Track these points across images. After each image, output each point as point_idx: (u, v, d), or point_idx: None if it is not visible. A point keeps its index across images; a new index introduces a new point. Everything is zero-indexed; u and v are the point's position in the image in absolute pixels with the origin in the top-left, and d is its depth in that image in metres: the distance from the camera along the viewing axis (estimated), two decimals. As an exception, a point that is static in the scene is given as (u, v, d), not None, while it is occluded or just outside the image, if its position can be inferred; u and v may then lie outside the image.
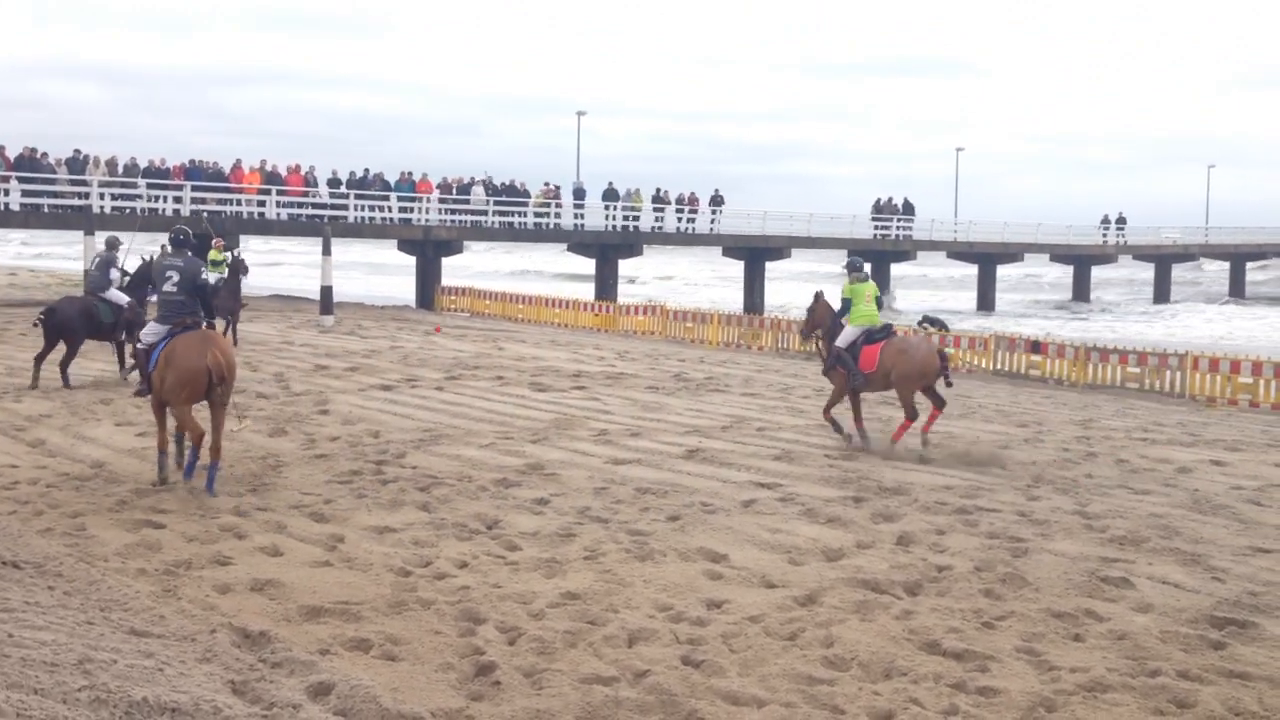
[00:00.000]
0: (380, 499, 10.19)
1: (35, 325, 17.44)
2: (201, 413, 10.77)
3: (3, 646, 5.31)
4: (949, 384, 13.34)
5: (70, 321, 16.74)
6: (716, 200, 46.14)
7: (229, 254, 24.70)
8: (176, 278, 10.63)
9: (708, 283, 67.91)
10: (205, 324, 10.81)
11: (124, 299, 17.20)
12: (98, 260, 17.79)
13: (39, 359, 16.56)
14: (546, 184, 43.14)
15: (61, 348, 16.75)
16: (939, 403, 13.35)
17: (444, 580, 7.93)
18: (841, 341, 13.44)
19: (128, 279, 17.61)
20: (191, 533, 8.95)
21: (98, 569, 7.82)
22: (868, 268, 14.50)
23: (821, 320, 13.98)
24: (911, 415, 13.12)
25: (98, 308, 17.01)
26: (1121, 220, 61.24)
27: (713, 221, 46.32)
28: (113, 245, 17.94)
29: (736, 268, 53.26)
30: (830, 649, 6.75)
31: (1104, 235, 60.79)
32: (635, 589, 7.80)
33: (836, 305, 13.77)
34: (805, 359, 24.96)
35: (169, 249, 11.25)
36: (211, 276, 23.10)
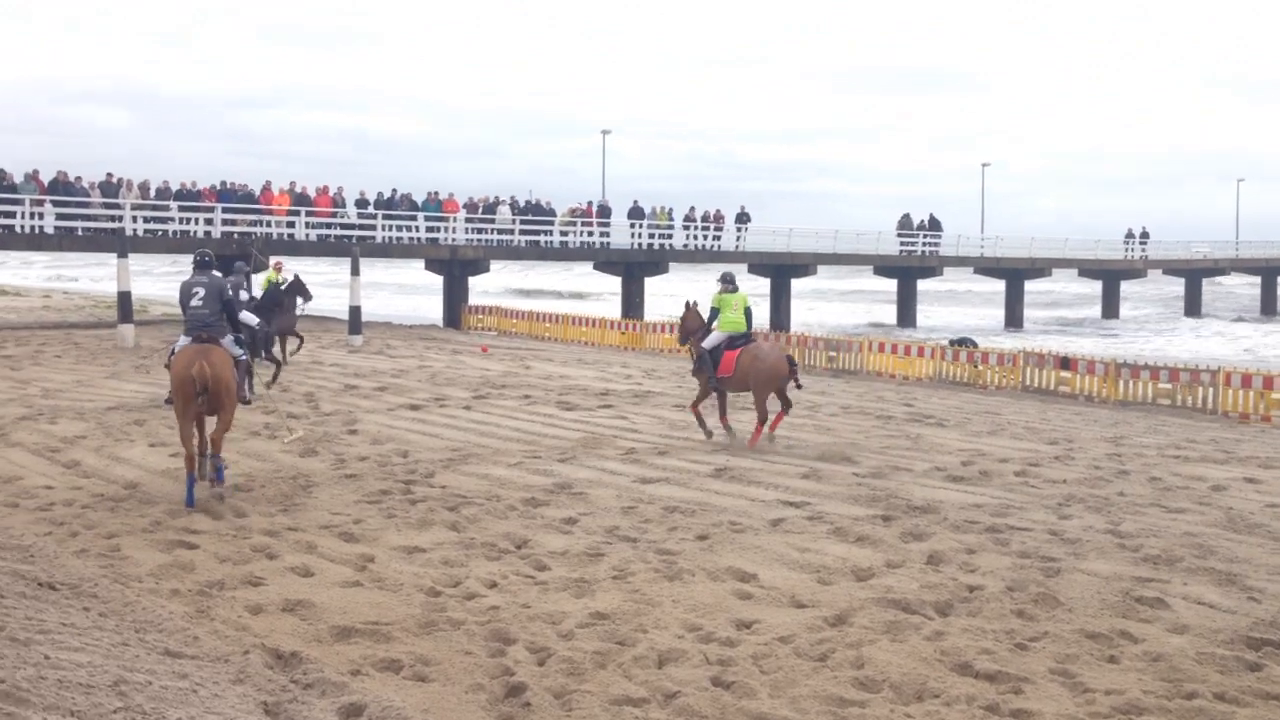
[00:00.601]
0: (409, 519, 10.23)
1: None
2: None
3: (40, 668, 5.36)
4: (798, 386, 14.74)
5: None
6: (743, 218, 46.20)
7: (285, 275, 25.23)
8: (202, 293, 11.22)
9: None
10: (233, 338, 11.40)
11: (254, 320, 18.70)
12: (230, 284, 18.69)
13: None
14: (589, 203, 43.43)
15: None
16: (786, 405, 14.74)
17: (473, 600, 7.95)
18: (707, 344, 14.89)
19: (254, 302, 19.43)
20: (224, 553, 9.01)
21: (132, 590, 7.88)
22: (741, 281, 16.23)
23: (692, 327, 15.55)
24: (762, 418, 14.39)
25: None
26: (1145, 235, 60.82)
27: (739, 238, 46.36)
28: (238, 271, 19.33)
29: (752, 283, 53.26)
30: (861, 670, 6.72)
31: (1133, 250, 60.37)
32: (664, 609, 7.79)
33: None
34: (832, 376, 24.91)
35: (195, 269, 11.71)
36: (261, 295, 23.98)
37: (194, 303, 11.17)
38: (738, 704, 6.20)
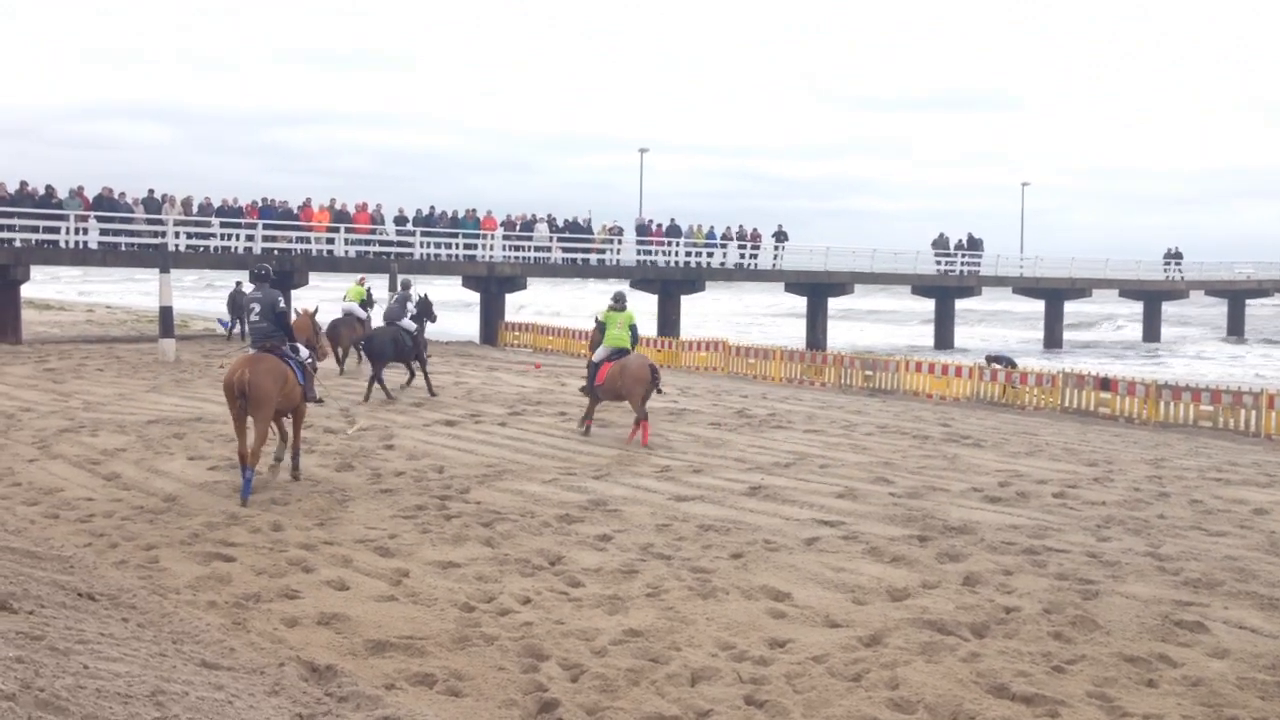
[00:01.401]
0: (444, 534, 10.27)
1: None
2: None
3: (78, 677, 5.42)
4: (659, 391, 16.36)
5: (384, 347, 20.59)
6: (780, 236, 46.12)
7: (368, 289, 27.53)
8: (258, 308, 12.03)
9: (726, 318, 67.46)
10: (291, 345, 12.17)
11: (413, 327, 21.27)
12: (396, 297, 21.83)
13: (373, 379, 20.26)
14: (631, 223, 43.73)
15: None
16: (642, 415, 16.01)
17: (507, 616, 7.97)
18: (596, 358, 16.48)
19: (413, 312, 21.42)
20: (260, 566, 9.09)
21: (170, 601, 7.96)
22: (631, 300, 17.64)
23: (597, 341, 17.03)
24: (642, 415, 15.73)
25: (401, 336, 20.86)
26: (1179, 255, 60.14)
27: (775, 257, 46.29)
28: (406, 285, 21.97)
29: (788, 302, 53.19)
30: (895, 691, 6.67)
31: (1174, 270, 59.72)
32: (698, 627, 7.77)
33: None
34: (868, 395, 24.79)
35: (252, 283, 12.63)
36: (358, 309, 25.71)
37: (253, 317, 12.05)
38: (770, 723, 6.17)
